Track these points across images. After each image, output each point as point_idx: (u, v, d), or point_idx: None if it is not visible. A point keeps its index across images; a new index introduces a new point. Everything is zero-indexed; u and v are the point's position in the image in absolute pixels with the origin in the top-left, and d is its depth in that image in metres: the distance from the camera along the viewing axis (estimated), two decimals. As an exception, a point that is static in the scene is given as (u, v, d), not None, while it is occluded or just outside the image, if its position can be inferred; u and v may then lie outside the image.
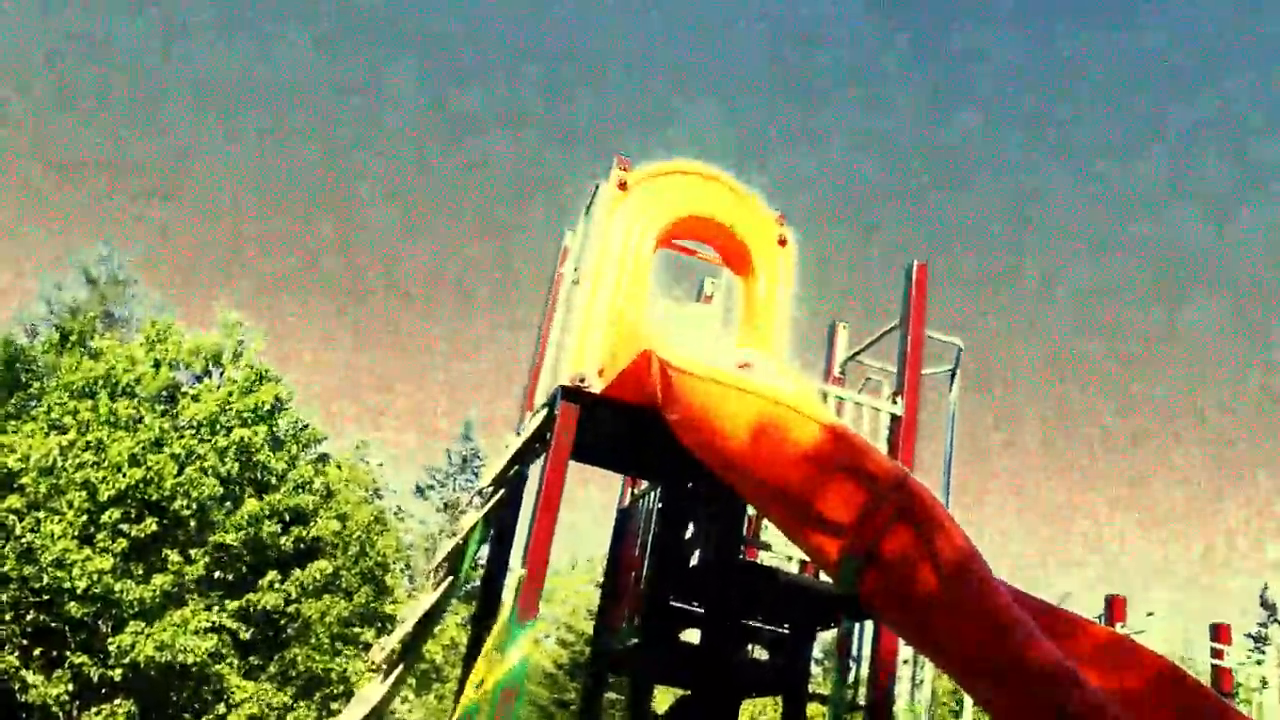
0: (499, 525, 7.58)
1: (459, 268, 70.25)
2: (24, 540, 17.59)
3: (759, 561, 7.24)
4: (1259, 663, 13.57)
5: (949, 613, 4.16)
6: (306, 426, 22.12)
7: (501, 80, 70.39)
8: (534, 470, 7.17)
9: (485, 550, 7.83)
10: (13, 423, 19.59)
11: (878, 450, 5.40)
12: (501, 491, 7.46)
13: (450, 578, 7.59)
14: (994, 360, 60.62)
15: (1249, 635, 31.19)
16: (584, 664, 23.46)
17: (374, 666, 7.62)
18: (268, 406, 20.66)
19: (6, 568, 17.44)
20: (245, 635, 19.28)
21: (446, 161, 68.79)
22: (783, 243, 7.43)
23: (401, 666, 7.59)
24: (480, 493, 7.71)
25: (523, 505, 7.40)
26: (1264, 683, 12.96)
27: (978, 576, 4.15)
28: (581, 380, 6.30)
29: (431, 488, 39.85)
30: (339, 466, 24.31)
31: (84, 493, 18.24)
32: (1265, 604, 36.35)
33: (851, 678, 7.14)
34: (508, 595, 6.15)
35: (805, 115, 73.70)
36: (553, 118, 71.14)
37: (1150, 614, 12.26)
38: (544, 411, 6.73)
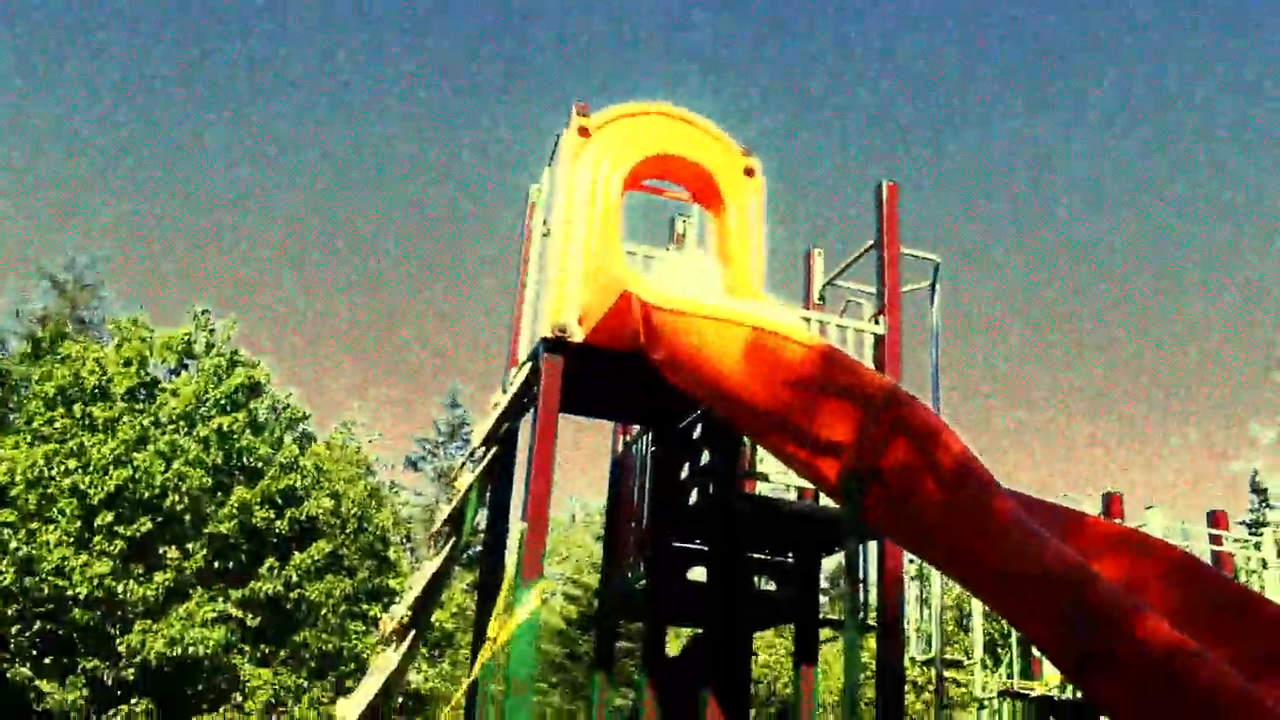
0: (496, 485, 7.56)
1: (429, 234, 69.74)
2: (20, 553, 17.50)
3: (757, 494, 7.24)
4: (1257, 546, 13.78)
5: (955, 520, 4.16)
6: (287, 407, 21.94)
7: (460, 36, 69.42)
8: (524, 427, 7.14)
9: (484, 513, 7.82)
10: (-4, 438, 19.41)
11: (866, 367, 5.39)
12: (494, 451, 7.42)
13: (452, 540, 7.58)
14: (977, 272, 60.68)
15: (1242, 523, 31.51)
16: (594, 616, 23.55)
17: (385, 637, 7.62)
18: (244, 390, 20.45)
19: (7, 581, 17.36)
20: (253, 623, 19.26)
21: (411, 124, 67.88)
22: (750, 174, 7.36)
23: (413, 634, 7.59)
24: (473, 454, 7.67)
25: (517, 463, 7.38)
26: (1264, 564, 13.18)
27: (978, 482, 4.14)
28: (562, 330, 6.24)
29: (424, 459, 39.75)
30: (328, 446, 24.17)
31: (74, 499, 18.11)
32: (1256, 489, 36.67)
33: (861, 600, 7.18)
34: (511, 553, 6.15)
35: (768, 37, 73.07)
36: (513, 70, 70.24)
37: (1149, 507, 12.43)
38: (528, 365, 6.68)
